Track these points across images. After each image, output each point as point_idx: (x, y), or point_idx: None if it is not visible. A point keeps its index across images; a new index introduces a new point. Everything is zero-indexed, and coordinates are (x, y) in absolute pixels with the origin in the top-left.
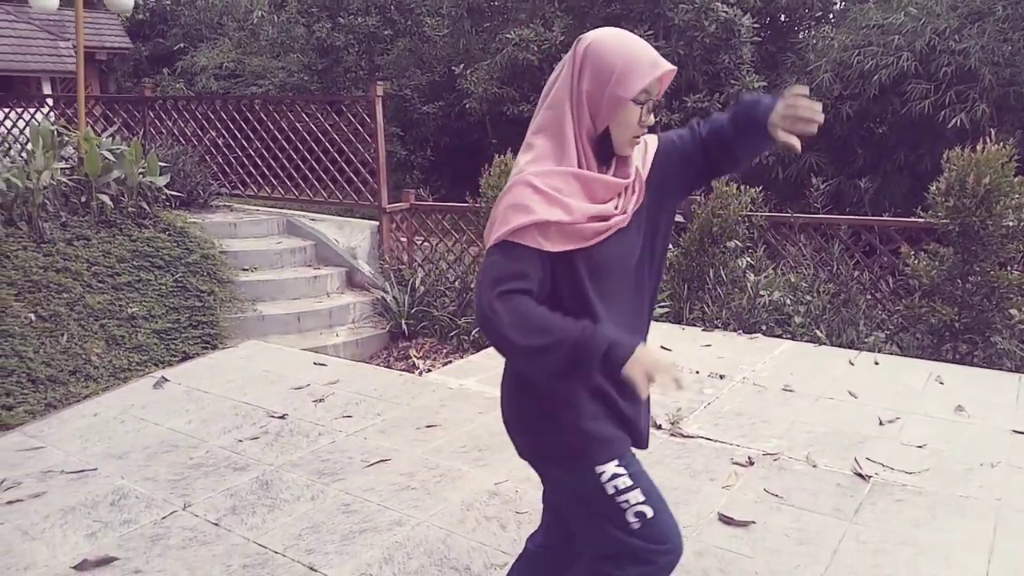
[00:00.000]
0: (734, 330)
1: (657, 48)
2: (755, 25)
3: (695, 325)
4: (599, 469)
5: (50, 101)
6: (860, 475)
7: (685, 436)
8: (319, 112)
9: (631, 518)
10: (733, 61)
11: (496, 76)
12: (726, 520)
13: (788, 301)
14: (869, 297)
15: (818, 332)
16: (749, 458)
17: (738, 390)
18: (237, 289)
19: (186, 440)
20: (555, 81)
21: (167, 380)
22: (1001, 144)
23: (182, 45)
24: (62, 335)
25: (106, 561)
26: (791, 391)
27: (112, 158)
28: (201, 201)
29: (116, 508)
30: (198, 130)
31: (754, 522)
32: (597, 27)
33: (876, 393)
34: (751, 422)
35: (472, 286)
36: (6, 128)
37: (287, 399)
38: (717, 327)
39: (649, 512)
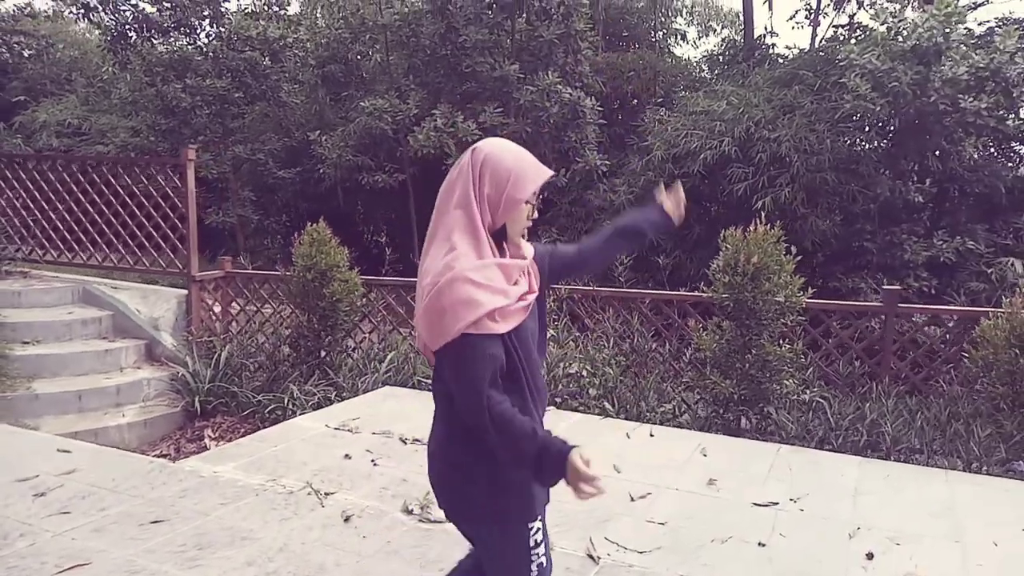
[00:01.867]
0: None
1: (505, 126)
2: (598, 108)
3: None
4: (531, 525)
5: None
6: (592, 557)
7: (431, 521)
8: (130, 175)
9: (534, 569)
10: (579, 140)
11: (351, 144)
12: None
13: (585, 373)
14: (669, 368)
15: (607, 405)
16: None
17: None
18: (9, 365)
19: None
20: (455, 186)
21: None
22: (769, 226)
23: (22, 98)
24: None
25: None
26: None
27: None
28: None
29: None
30: None
31: None
32: (452, 103)
33: (639, 467)
34: None
35: (282, 359)
36: None
37: (5, 494)
38: None
39: (545, 563)
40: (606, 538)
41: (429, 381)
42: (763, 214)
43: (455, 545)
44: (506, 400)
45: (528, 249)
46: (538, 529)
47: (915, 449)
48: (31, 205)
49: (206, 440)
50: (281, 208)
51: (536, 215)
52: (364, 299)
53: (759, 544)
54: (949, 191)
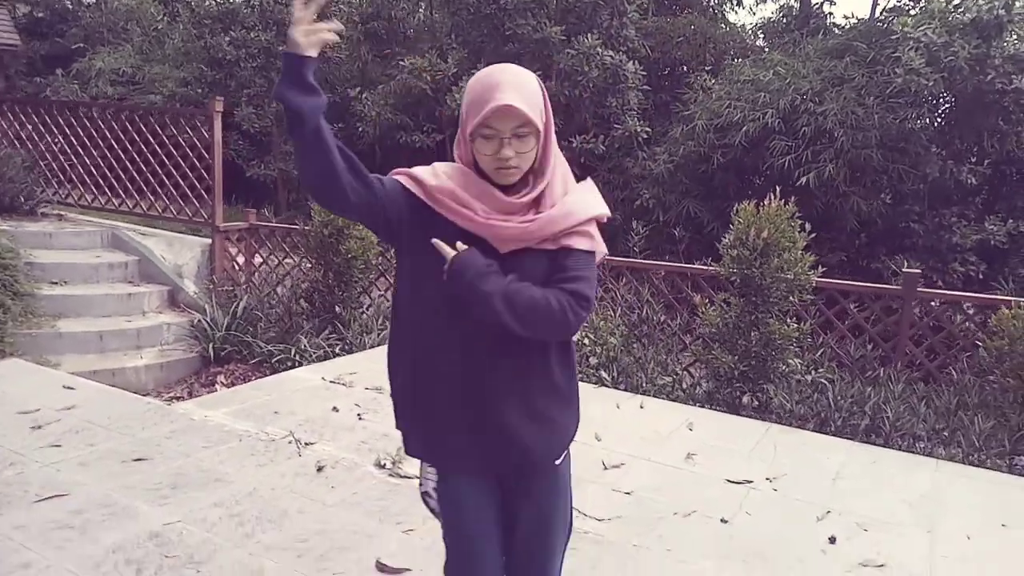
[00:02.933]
0: None
1: (547, 89)
2: (642, 73)
3: None
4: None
5: None
6: None
7: (400, 476)
8: (164, 125)
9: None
10: (620, 105)
11: (391, 102)
12: (381, 567)
13: (587, 342)
14: (677, 342)
15: (603, 374)
16: None
17: None
18: (37, 303)
19: None
20: None
21: None
22: (783, 202)
23: (81, 46)
24: None
25: None
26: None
27: None
28: (26, 208)
29: None
30: (33, 135)
31: (409, 569)
32: (492, 63)
33: (620, 438)
34: None
35: (298, 312)
36: None
37: (4, 425)
38: None
39: None
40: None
41: None
42: (777, 190)
43: (417, 502)
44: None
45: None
46: None
47: (917, 436)
48: (68, 151)
49: (217, 386)
50: None
51: (510, 154)
52: (380, 257)
53: (721, 520)
54: (1006, 174)
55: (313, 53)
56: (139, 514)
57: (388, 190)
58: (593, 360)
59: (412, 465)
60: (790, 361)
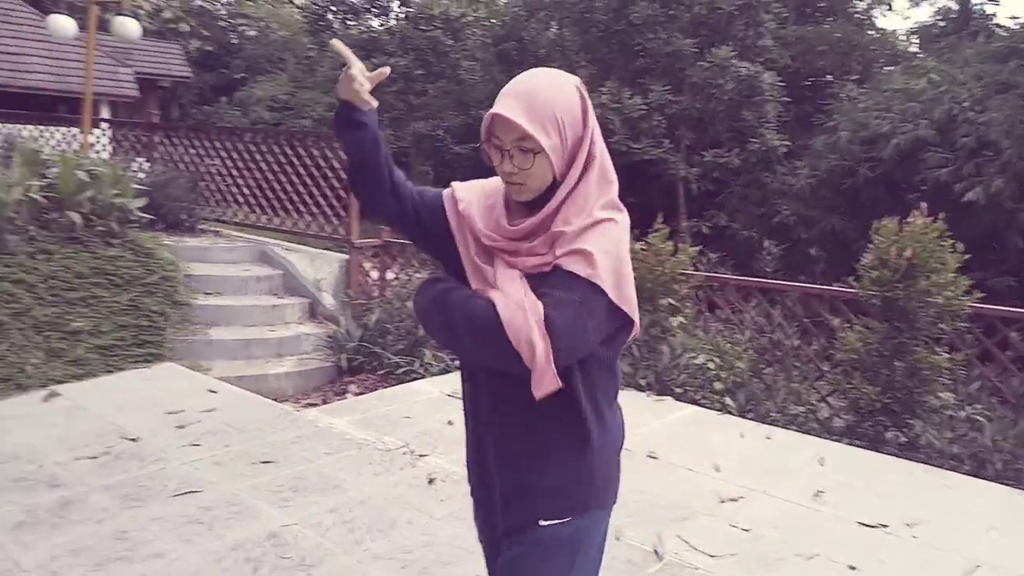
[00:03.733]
0: (648, 391)
1: (675, 103)
2: (781, 84)
3: None
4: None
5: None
6: (656, 553)
7: None
8: (306, 146)
9: None
10: (756, 118)
11: None
12: None
13: (712, 366)
14: (813, 369)
15: (728, 400)
16: None
17: None
18: (192, 312)
19: (29, 453)
20: None
21: (58, 395)
22: (932, 218)
23: (243, 75)
24: (2, 344)
25: None
26: (655, 458)
27: (88, 178)
28: (187, 225)
29: None
30: (196, 158)
31: None
32: (622, 79)
33: (740, 469)
34: None
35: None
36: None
37: (153, 423)
38: (633, 386)
39: None
40: (679, 536)
41: None
42: (923, 207)
43: None
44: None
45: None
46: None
47: None
48: (224, 172)
49: (348, 395)
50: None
51: (511, 168)
52: None
53: (849, 567)
54: None
55: (352, 99)
56: (261, 514)
57: (429, 206)
58: (718, 385)
59: None
60: (941, 395)
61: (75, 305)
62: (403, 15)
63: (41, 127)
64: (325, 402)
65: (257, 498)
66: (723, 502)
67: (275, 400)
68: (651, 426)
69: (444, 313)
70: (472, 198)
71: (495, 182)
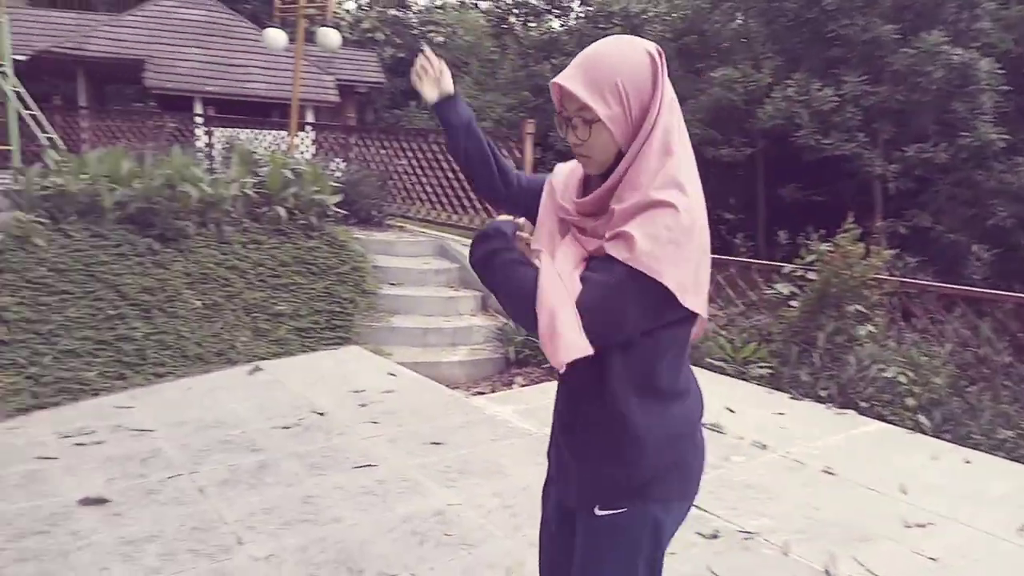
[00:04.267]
0: (828, 402)
1: (875, 94)
2: (999, 71)
3: (788, 391)
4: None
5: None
6: (828, 573)
7: None
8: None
9: None
10: (969, 110)
11: (699, 117)
12: None
13: (904, 380)
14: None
15: (921, 418)
16: (716, 531)
17: (769, 463)
18: (377, 300)
19: (234, 420)
20: None
21: (261, 369)
22: None
23: None
24: (218, 322)
25: (100, 502)
26: (832, 474)
27: (292, 176)
28: (376, 220)
29: (143, 464)
30: (386, 157)
31: None
32: (811, 70)
33: (931, 493)
34: (754, 496)
35: None
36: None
37: (340, 399)
38: (812, 397)
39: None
40: (855, 558)
41: (722, 363)
42: None
43: (683, 525)
44: None
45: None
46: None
47: None
48: (410, 171)
49: (514, 386)
50: None
51: (574, 139)
52: None
53: None
54: None
55: (438, 98)
56: (428, 492)
57: (533, 190)
58: (910, 401)
59: None
60: None
61: (278, 290)
62: (582, 14)
63: (256, 131)
64: (493, 391)
65: (426, 476)
66: (908, 527)
67: (447, 386)
68: (829, 440)
69: (488, 273)
70: (564, 173)
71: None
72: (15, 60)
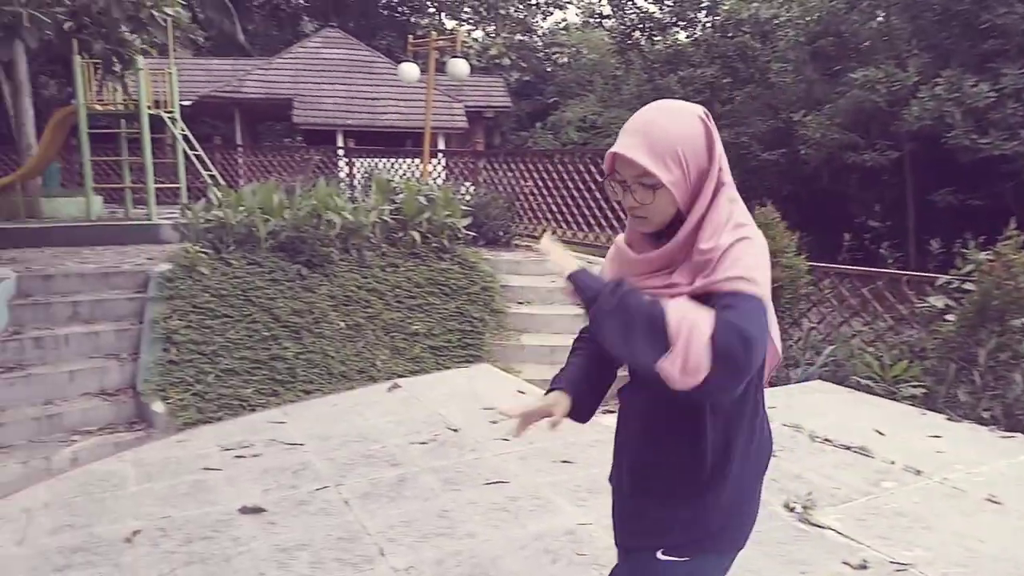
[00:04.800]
0: (992, 424)
1: None
2: None
3: (944, 412)
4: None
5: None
6: None
7: (811, 524)
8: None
9: None
10: None
11: (837, 121)
12: None
13: None
14: None
15: None
16: (864, 562)
17: (923, 490)
18: (506, 319)
19: (375, 435)
20: None
21: (399, 386)
22: None
23: (555, 100)
24: (360, 341)
25: (257, 511)
26: (996, 503)
27: (426, 202)
28: (503, 241)
29: (294, 476)
30: (512, 179)
31: None
32: (964, 65)
33: None
34: (906, 526)
35: None
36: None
37: (471, 416)
38: (973, 419)
39: None
40: None
41: (870, 382)
42: None
43: (828, 554)
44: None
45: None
46: None
47: None
48: (536, 192)
49: None
50: (763, 190)
51: (633, 203)
52: (811, 287)
53: None
54: None
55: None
56: (559, 510)
57: None
58: None
59: (825, 515)
60: None
61: (414, 311)
62: (709, 24)
63: (392, 160)
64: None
65: (556, 494)
66: None
67: None
68: (993, 465)
69: (621, 313)
70: (612, 254)
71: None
72: (181, 105)
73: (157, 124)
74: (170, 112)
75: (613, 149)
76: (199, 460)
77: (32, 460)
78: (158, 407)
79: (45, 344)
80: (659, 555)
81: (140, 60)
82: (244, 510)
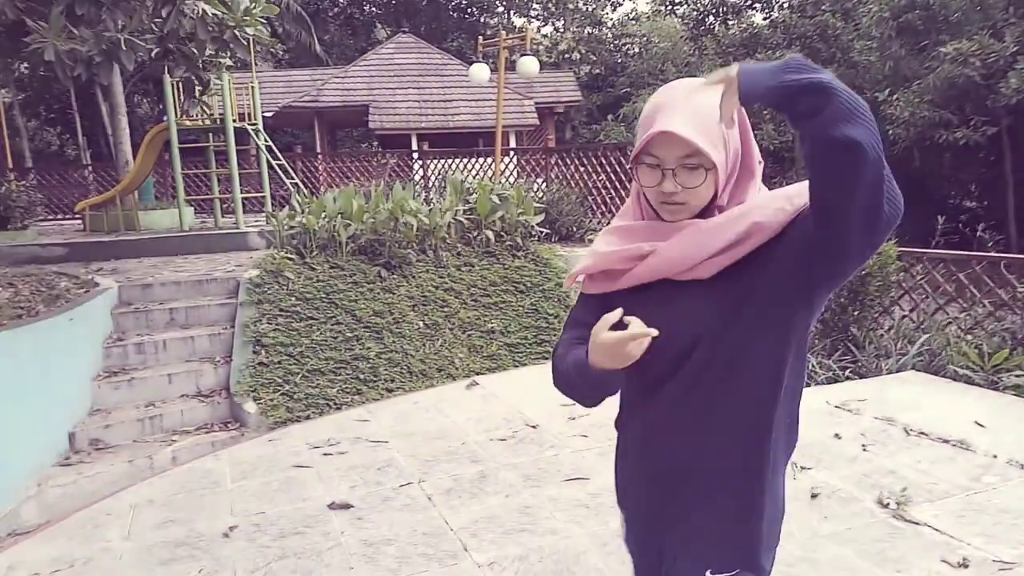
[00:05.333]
0: None
1: None
2: None
3: None
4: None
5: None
6: None
7: (906, 520)
8: None
9: None
10: None
11: (927, 98)
12: None
13: None
14: None
15: None
16: (965, 560)
17: None
18: None
19: (456, 431)
20: None
21: (477, 384)
22: None
23: (627, 91)
24: (438, 340)
25: (346, 507)
26: None
27: (498, 200)
28: (577, 236)
29: (380, 472)
30: (584, 174)
31: None
32: None
33: None
34: (1012, 522)
35: None
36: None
37: (550, 413)
38: None
39: None
40: None
41: (968, 371)
42: None
43: (925, 552)
44: (563, 351)
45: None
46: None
47: None
48: (609, 186)
49: None
50: None
51: (674, 188)
52: (903, 273)
53: None
54: None
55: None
56: None
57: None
58: None
59: (920, 510)
60: None
61: (490, 309)
62: (787, 5)
63: (465, 160)
64: None
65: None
66: None
67: None
68: None
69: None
70: (597, 250)
71: (608, 231)
72: (263, 116)
73: (242, 136)
74: (253, 124)
75: (661, 127)
76: (290, 458)
77: (136, 459)
78: (250, 407)
79: (145, 349)
80: (707, 574)
81: (225, 76)
82: (333, 506)
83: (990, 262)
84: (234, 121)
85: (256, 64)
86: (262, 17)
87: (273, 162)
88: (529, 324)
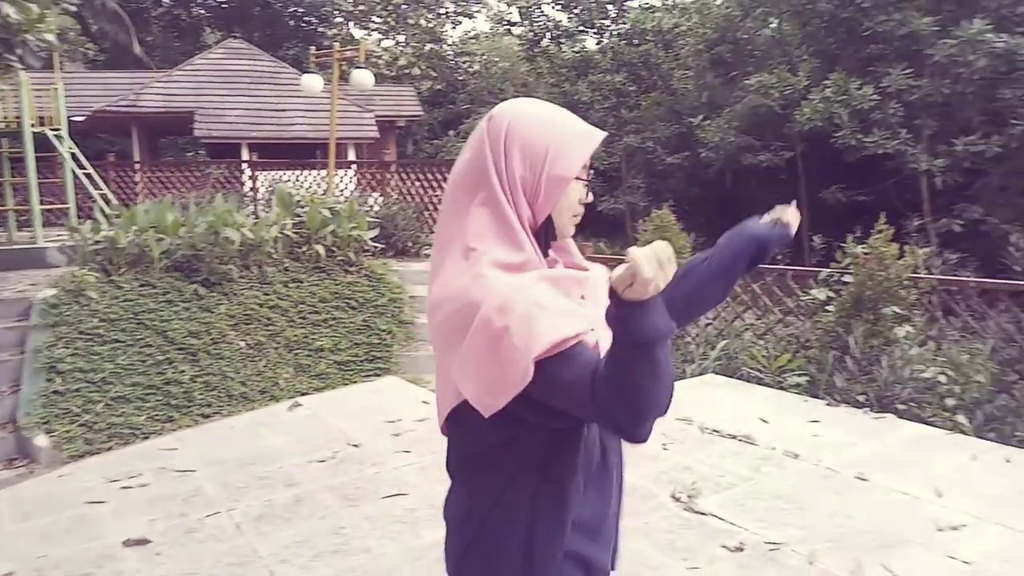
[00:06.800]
0: (866, 407)
1: (916, 88)
2: None
3: (824, 398)
4: None
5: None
6: None
7: (694, 512)
8: None
9: None
10: (1018, 97)
11: (735, 125)
12: None
13: (944, 380)
14: None
15: (961, 418)
16: (741, 544)
17: (800, 472)
18: (415, 330)
19: (272, 455)
20: (468, 172)
21: (300, 405)
22: None
23: (468, 107)
24: (261, 361)
25: (142, 543)
26: (864, 480)
27: (330, 214)
28: (412, 251)
29: (184, 503)
30: (422, 189)
31: None
32: (849, 69)
33: (967, 495)
34: (783, 508)
35: None
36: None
37: (374, 431)
38: (850, 403)
39: None
40: (883, 565)
41: (758, 373)
42: None
43: (708, 539)
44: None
45: (579, 257)
46: None
47: None
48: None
49: None
50: (670, 194)
51: (590, 198)
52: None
53: None
54: None
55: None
56: None
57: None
58: (950, 402)
59: (708, 501)
60: None
61: (319, 326)
62: (616, 33)
63: (299, 172)
64: None
65: None
66: (941, 531)
67: None
68: (865, 446)
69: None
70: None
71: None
72: (74, 121)
73: (44, 142)
74: (56, 129)
75: (600, 138)
76: (82, 494)
77: None
78: (41, 440)
79: None
80: None
81: (22, 76)
82: (128, 543)
83: (779, 273)
84: (33, 125)
85: (62, 65)
86: (61, 17)
87: (79, 171)
88: (361, 341)
